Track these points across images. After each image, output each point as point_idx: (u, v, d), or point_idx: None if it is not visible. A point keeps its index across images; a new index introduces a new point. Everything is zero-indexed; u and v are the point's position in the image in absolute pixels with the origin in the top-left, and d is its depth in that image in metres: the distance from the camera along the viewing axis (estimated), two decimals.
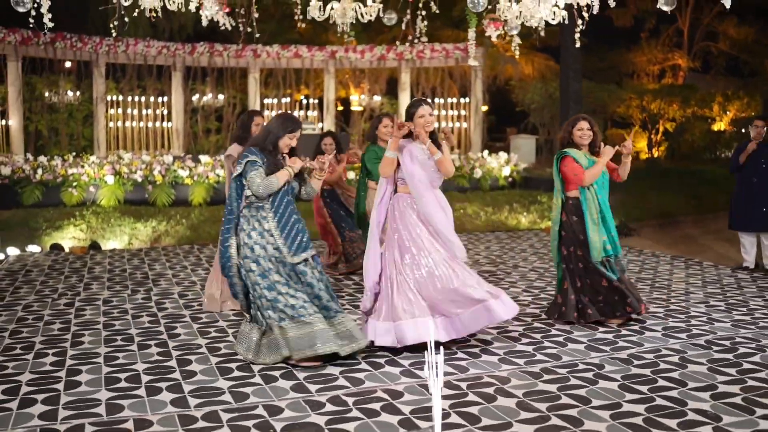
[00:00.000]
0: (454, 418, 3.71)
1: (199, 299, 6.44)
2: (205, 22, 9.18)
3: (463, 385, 4.21)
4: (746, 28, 24.12)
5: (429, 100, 4.26)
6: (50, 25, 6.74)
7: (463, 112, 16.79)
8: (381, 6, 8.10)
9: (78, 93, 14.86)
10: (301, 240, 4.52)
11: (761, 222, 7.79)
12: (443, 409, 3.79)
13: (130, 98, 15.20)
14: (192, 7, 7.00)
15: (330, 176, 7.23)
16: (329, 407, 3.87)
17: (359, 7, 7.85)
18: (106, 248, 9.21)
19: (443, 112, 16.79)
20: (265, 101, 16.73)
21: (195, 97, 16.46)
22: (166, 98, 15.52)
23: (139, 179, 11.75)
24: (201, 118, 16.57)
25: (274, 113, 16.50)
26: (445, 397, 3.97)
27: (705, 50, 25.88)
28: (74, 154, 13.23)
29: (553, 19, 8.88)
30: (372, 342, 4.70)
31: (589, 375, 4.38)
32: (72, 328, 5.49)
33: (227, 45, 15.47)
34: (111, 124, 14.87)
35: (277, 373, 4.40)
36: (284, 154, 4.61)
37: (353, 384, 4.24)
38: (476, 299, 4.71)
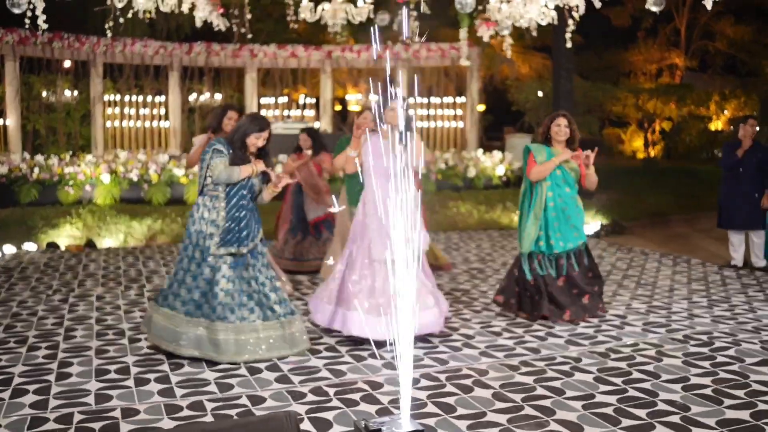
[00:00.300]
0: (430, 408, 3.82)
1: None
2: (199, 23, 9.31)
3: (442, 377, 4.33)
4: (743, 28, 24.14)
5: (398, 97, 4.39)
6: (45, 26, 6.87)
7: (459, 112, 16.87)
8: (372, 7, 8.21)
9: (75, 92, 14.93)
10: (239, 234, 4.60)
11: (748, 220, 7.87)
12: (419, 399, 3.92)
13: (127, 98, 15.28)
14: (185, 8, 7.11)
15: (300, 176, 7.32)
16: (310, 397, 3.99)
17: (350, 9, 7.97)
18: (101, 246, 9.32)
19: (439, 112, 16.87)
20: (262, 101, 16.82)
21: (192, 97, 16.54)
22: (163, 98, 15.62)
23: (135, 178, 11.87)
24: (198, 118, 16.65)
25: (272, 113, 16.61)
26: (423, 388, 4.10)
27: (702, 49, 25.90)
28: (71, 153, 13.34)
29: (542, 20, 9.01)
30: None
31: (566, 368, 4.50)
32: (65, 323, 5.61)
33: (224, 45, 15.56)
34: (108, 124, 14.95)
35: (262, 366, 4.52)
36: (251, 154, 4.72)
37: (335, 375, 4.36)
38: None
